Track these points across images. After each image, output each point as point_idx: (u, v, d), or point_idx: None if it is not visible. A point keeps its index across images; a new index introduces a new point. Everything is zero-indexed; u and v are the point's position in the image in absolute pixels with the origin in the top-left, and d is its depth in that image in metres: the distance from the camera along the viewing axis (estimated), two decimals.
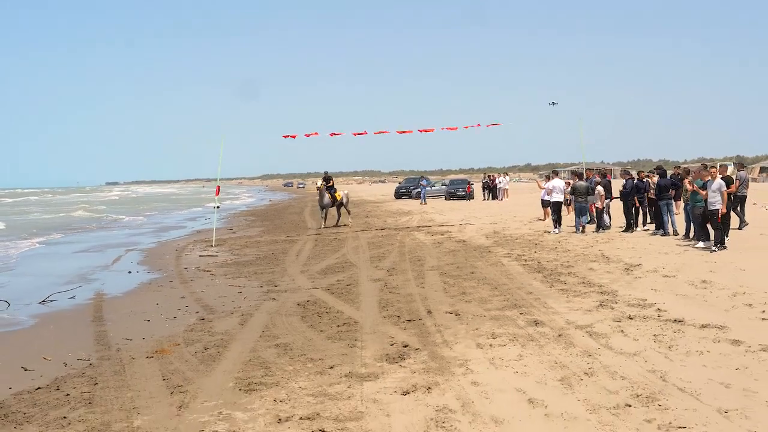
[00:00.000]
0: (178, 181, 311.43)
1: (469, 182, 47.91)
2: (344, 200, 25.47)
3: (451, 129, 24.67)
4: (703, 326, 7.68)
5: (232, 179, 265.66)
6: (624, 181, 18.68)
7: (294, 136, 23.80)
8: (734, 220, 16.50)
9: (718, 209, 13.54)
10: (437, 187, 52.47)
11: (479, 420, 5.17)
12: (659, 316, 8.35)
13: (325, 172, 25.40)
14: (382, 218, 29.72)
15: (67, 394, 6.39)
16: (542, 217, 22.81)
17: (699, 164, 17.63)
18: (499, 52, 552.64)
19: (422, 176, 56.34)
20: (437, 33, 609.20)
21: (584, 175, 20.02)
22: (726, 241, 14.69)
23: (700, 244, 14.24)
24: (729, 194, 15.18)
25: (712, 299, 9.22)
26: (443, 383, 6.09)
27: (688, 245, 14.73)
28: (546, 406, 5.38)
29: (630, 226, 18.28)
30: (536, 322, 8.30)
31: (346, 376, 6.48)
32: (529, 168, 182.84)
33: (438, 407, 5.47)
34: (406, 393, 5.87)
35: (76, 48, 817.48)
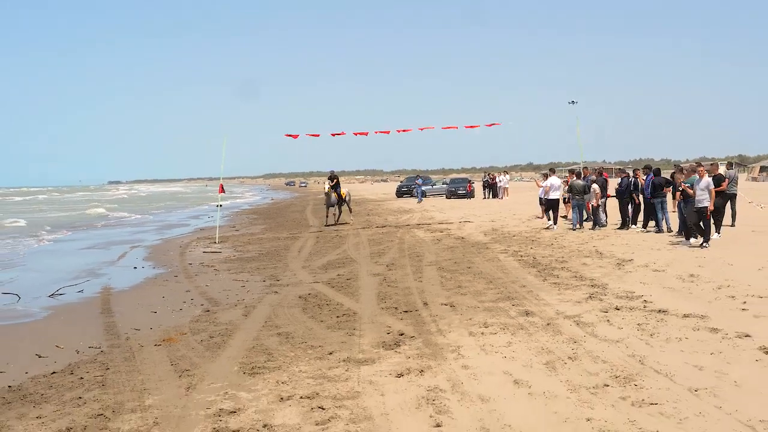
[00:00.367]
0: (180, 180, 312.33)
1: (469, 181, 48.33)
2: (347, 198, 25.87)
3: (451, 128, 25.03)
4: (685, 316, 8.05)
5: (234, 178, 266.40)
6: (620, 179, 19.04)
7: (296, 136, 24.17)
8: (729, 218, 16.88)
9: (706, 207, 13.89)
10: (438, 185, 52.85)
11: (467, 398, 5.55)
12: (645, 306, 8.72)
13: (331, 171, 25.65)
14: (383, 216, 30.10)
15: (81, 378, 6.77)
16: (540, 215, 23.17)
17: (691, 163, 17.99)
18: (500, 52, 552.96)
19: (418, 175, 56.74)
20: (437, 33, 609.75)
21: (581, 173, 20.37)
22: (718, 237, 15.07)
23: (692, 240, 14.61)
24: (720, 192, 15.55)
25: (697, 291, 9.59)
26: (435, 367, 6.47)
27: (681, 242, 15.08)
28: (530, 387, 5.76)
29: (626, 223, 18.63)
30: (527, 313, 8.68)
31: (344, 360, 6.87)
32: (531, 167, 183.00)
33: (429, 387, 5.86)
34: (400, 375, 6.26)
35: (76, 47, 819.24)
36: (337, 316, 9.10)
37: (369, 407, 5.46)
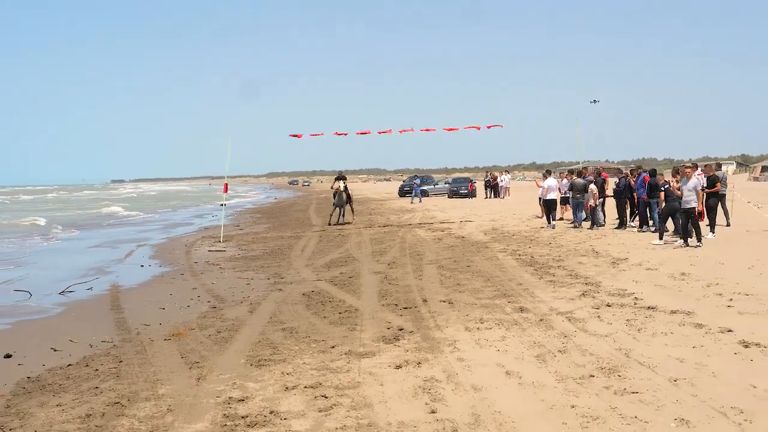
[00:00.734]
0: (183, 179, 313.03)
1: (471, 181, 48.77)
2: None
3: (451, 129, 25.40)
4: (673, 312, 8.41)
5: (237, 177, 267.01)
6: (617, 179, 19.40)
7: (300, 136, 24.56)
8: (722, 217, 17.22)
9: (693, 207, 14.26)
10: (440, 185, 53.24)
11: (461, 388, 5.91)
12: (635, 303, 9.08)
13: (339, 172, 25.70)
14: (385, 215, 30.48)
15: (96, 369, 7.14)
16: (540, 215, 23.53)
17: (686, 163, 18.34)
18: (500, 52, 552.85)
19: (416, 175, 57.15)
20: (437, 33, 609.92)
21: (581, 173, 20.72)
22: (713, 236, 15.41)
23: (680, 241, 14.98)
24: (714, 192, 15.90)
25: (687, 289, 9.94)
26: (432, 359, 6.84)
27: (675, 241, 15.41)
28: (520, 377, 6.13)
29: (623, 223, 18.98)
30: (522, 309, 9.03)
31: (346, 354, 7.24)
32: (534, 167, 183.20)
33: (426, 378, 6.23)
34: (398, 367, 6.62)
35: (77, 47, 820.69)
36: (340, 313, 9.46)
37: (369, 396, 5.83)
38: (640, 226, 18.12)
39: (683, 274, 11.18)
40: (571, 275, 11.68)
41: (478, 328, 8.09)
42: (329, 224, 25.07)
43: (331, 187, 25.83)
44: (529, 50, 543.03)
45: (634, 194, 18.59)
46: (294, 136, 24.64)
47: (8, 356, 7.84)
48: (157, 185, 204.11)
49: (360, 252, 16.53)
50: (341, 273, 13.26)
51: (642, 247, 14.80)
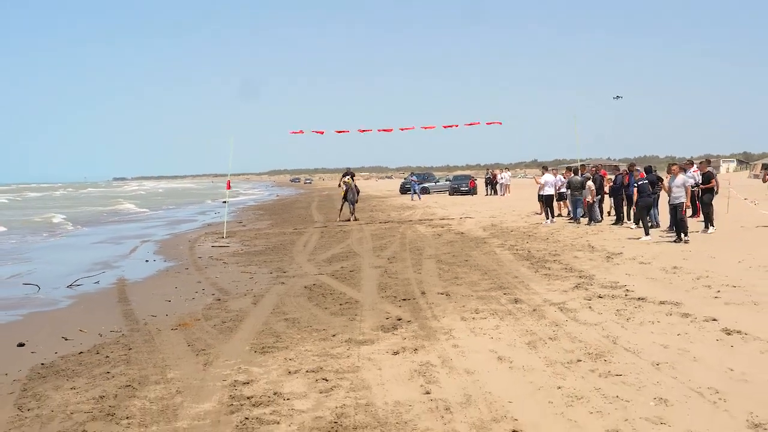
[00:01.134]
0: (184, 177, 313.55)
1: (472, 178, 49.10)
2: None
3: (452, 126, 25.70)
4: (662, 303, 8.72)
5: (239, 174, 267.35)
6: (614, 176, 19.69)
7: (301, 132, 24.88)
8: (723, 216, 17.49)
9: (681, 203, 14.58)
10: (441, 182, 53.61)
11: (455, 372, 6.23)
12: (626, 295, 9.39)
13: (348, 169, 25.77)
14: (386, 212, 30.80)
15: (107, 356, 7.47)
16: (539, 211, 23.83)
17: (684, 161, 18.63)
18: (500, 52, 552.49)
19: (412, 173, 57.49)
20: (438, 33, 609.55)
21: (579, 171, 21.01)
22: (713, 230, 15.75)
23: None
24: (710, 189, 16.19)
25: (677, 282, 10.24)
26: (428, 346, 7.16)
27: (670, 236, 15.72)
28: (511, 362, 6.45)
29: (620, 219, 19.27)
30: (516, 300, 9.35)
31: (346, 341, 7.56)
32: (535, 164, 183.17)
33: (422, 363, 6.55)
34: (396, 353, 6.95)
35: (78, 46, 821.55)
36: (340, 304, 9.78)
37: (367, 379, 6.15)
38: (636, 222, 18.42)
39: (675, 267, 11.49)
40: (566, 269, 11.99)
41: (473, 318, 8.40)
42: (344, 220, 25.11)
43: (339, 185, 25.98)
44: (528, 50, 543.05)
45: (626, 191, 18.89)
46: (295, 133, 24.97)
47: (21, 345, 8.16)
48: (162, 183, 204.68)
49: (361, 247, 16.84)
50: (342, 267, 13.57)
51: (637, 242, 15.10)
